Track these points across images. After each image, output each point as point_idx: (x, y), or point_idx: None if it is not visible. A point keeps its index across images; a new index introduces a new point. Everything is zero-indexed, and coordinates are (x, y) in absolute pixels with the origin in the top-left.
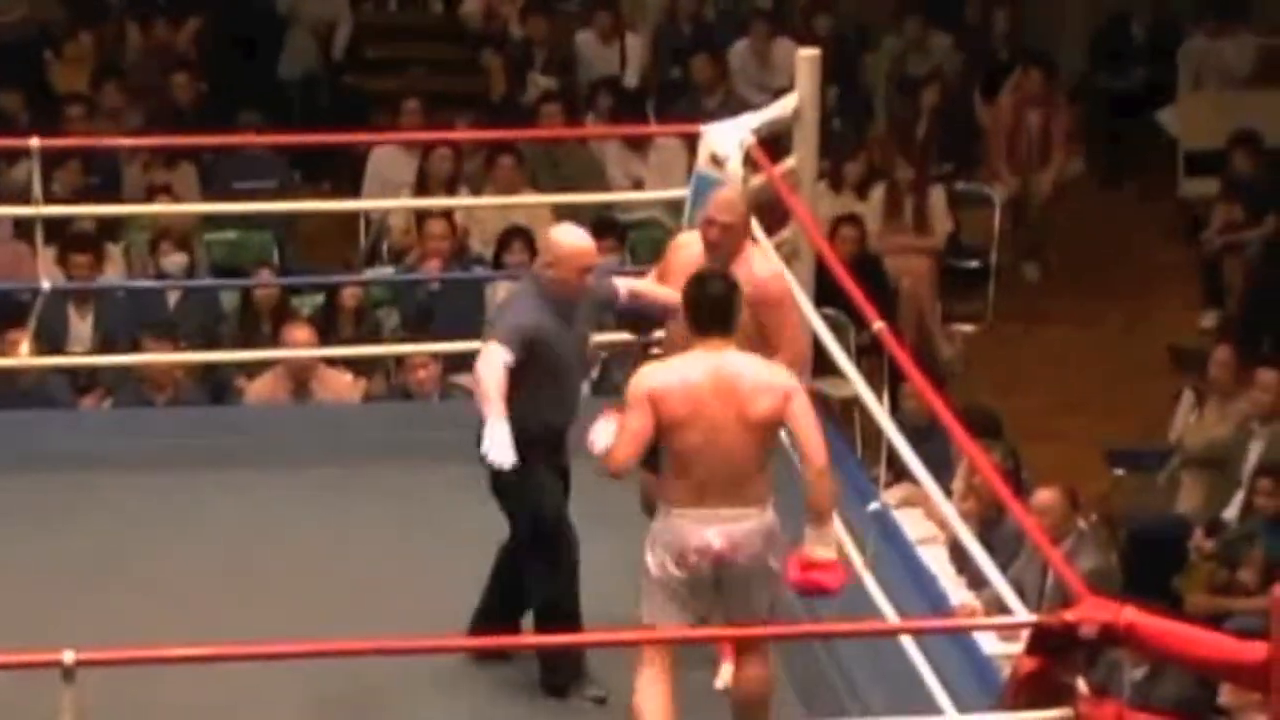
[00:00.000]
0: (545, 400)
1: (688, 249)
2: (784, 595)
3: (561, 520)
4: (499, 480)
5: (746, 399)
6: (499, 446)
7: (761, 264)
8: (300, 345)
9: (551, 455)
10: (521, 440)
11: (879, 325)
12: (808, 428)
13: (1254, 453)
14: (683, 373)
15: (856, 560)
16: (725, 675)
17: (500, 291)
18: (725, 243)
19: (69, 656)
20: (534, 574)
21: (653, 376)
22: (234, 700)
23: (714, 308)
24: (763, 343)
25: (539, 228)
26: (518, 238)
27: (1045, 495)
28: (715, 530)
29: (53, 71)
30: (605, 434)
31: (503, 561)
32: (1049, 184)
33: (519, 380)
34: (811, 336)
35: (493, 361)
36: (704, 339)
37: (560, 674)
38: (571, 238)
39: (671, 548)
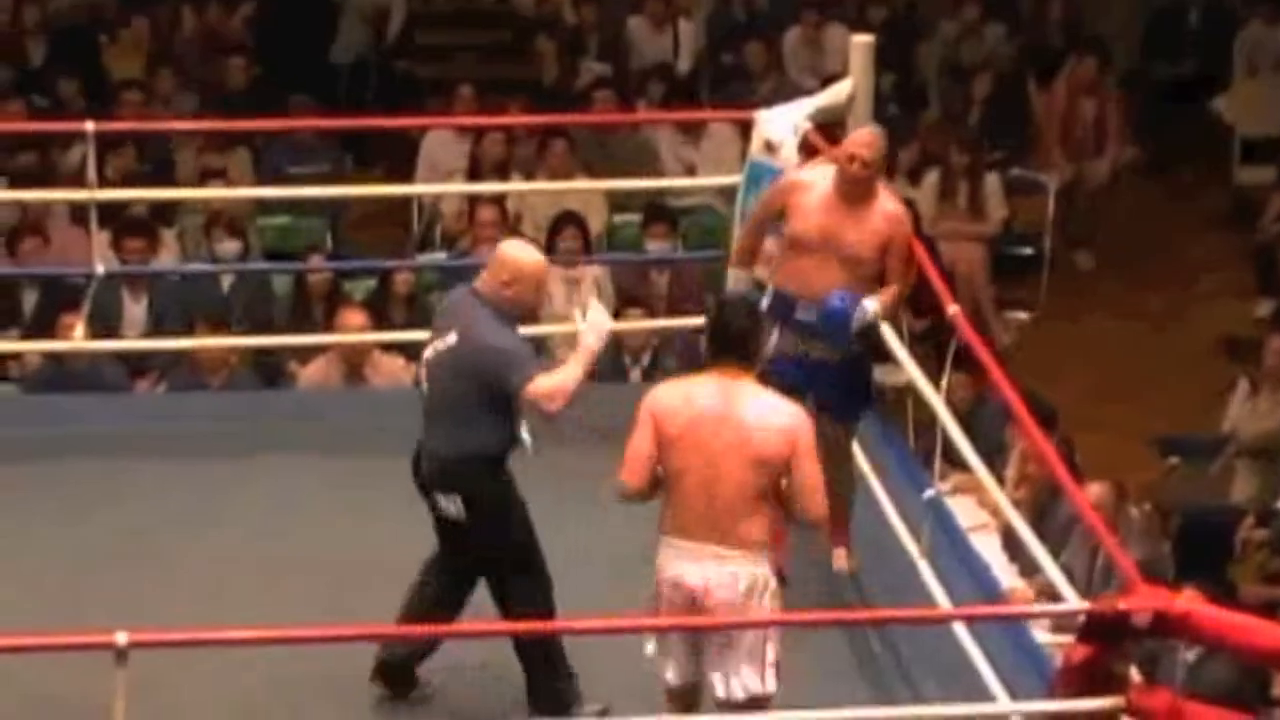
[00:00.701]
0: (515, 419)
1: (812, 190)
2: (765, 669)
3: (538, 545)
4: (481, 506)
5: (750, 434)
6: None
7: (893, 203)
8: (354, 329)
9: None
10: (498, 457)
11: (954, 308)
12: (809, 480)
13: None
14: (690, 394)
15: (911, 548)
16: (840, 558)
17: (551, 282)
18: (865, 179)
19: (122, 638)
20: (521, 600)
21: (659, 394)
22: (277, 684)
23: (735, 336)
24: (877, 278)
25: (591, 214)
26: (569, 223)
27: (1095, 489)
28: (694, 567)
29: (107, 56)
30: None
31: (435, 582)
32: (1103, 172)
33: (500, 404)
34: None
35: (545, 386)
36: (719, 365)
37: (562, 694)
38: (531, 255)
39: (655, 579)
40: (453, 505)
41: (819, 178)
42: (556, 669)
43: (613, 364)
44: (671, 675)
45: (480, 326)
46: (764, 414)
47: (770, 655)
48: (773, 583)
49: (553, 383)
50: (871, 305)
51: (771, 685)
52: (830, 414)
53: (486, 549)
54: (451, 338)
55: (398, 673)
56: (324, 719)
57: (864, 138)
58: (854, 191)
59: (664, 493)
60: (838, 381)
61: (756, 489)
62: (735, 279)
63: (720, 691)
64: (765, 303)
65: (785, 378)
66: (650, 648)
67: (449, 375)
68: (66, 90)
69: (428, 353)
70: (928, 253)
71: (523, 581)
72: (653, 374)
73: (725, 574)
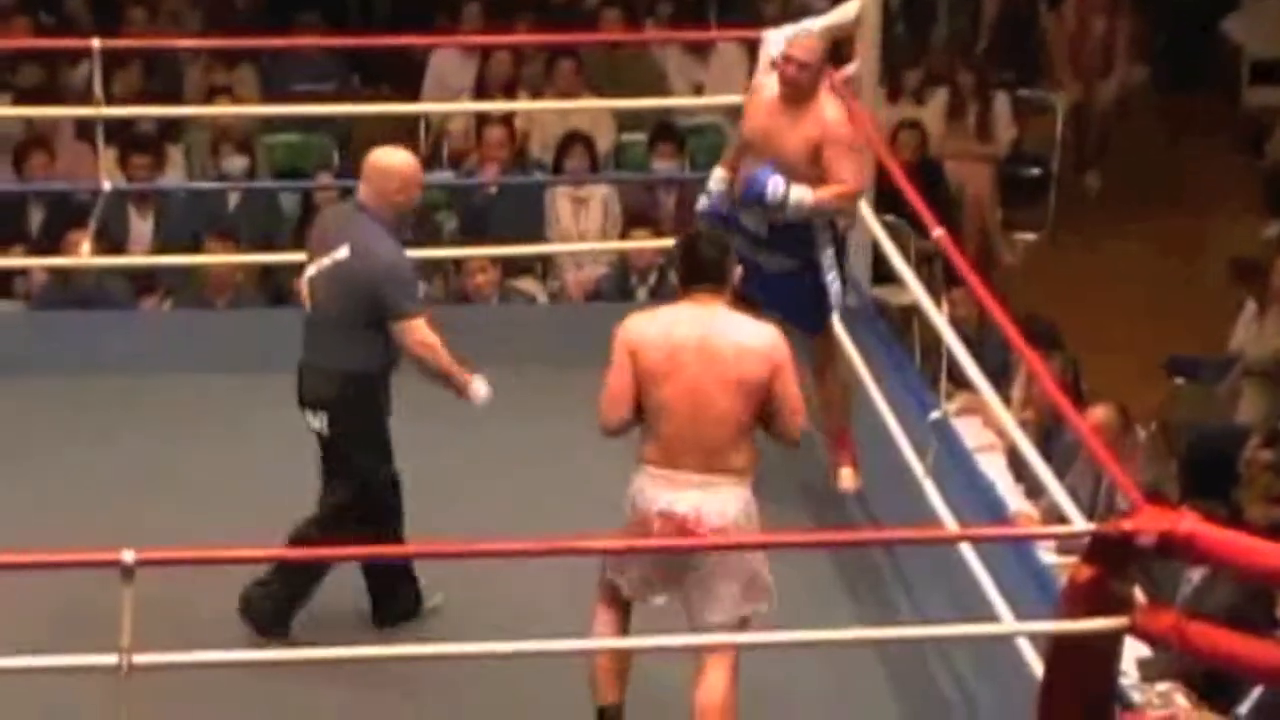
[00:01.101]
0: (389, 341)
1: (761, 93)
2: (765, 598)
3: (396, 481)
4: (343, 433)
5: (731, 360)
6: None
7: (832, 108)
8: None
9: (387, 398)
10: (373, 387)
11: (939, 231)
12: (789, 400)
13: None
14: (667, 324)
15: (917, 469)
16: (846, 478)
17: (559, 200)
18: (801, 80)
19: (129, 556)
20: (338, 520)
21: (634, 326)
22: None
23: (706, 264)
24: (819, 180)
25: (598, 133)
26: (577, 142)
27: (1098, 412)
28: (682, 496)
29: None
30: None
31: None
32: (1112, 92)
33: (376, 323)
34: (864, 184)
35: (429, 335)
36: (693, 293)
37: (402, 600)
38: (406, 157)
39: (637, 508)
40: (317, 420)
41: (770, 82)
42: (403, 588)
43: (620, 283)
44: (628, 590)
45: (375, 243)
46: (743, 339)
47: (759, 578)
48: (754, 506)
49: (431, 339)
50: (794, 189)
51: (750, 607)
52: (795, 328)
53: (338, 468)
54: (342, 252)
55: (260, 610)
56: (331, 637)
57: (801, 40)
58: (792, 95)
59: (645, 424)
60: (791, 294)
61: (741, 415)
62: (715, 178)
63: (703, 617)
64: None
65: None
66: (613, 559)
67: (338, 290)
68: (73, 6)
69: (311, 269)
70: (934, 173)
71: (352, 510)
72: (659, 292)
73: (715, 501)
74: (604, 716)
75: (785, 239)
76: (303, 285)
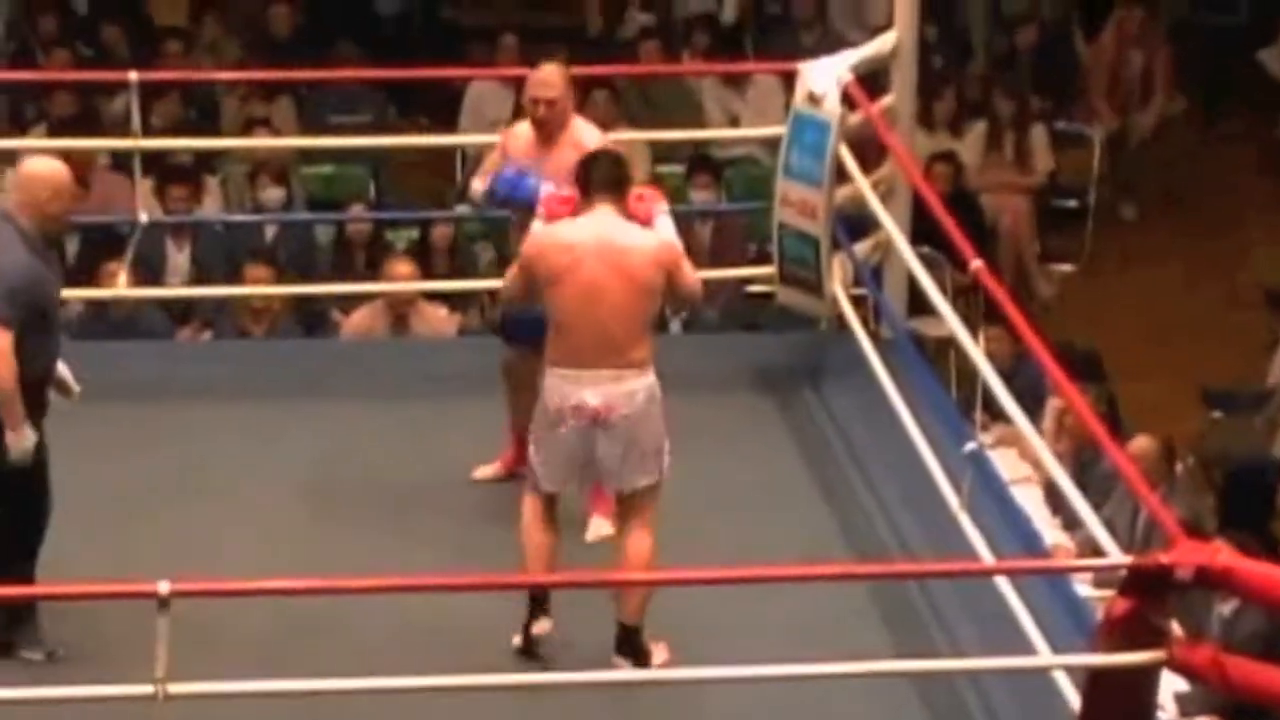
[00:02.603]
0: (47, 347)
1: (518, 137)
2: (662, 462)
3: (43, 477)
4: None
5: (630, 261)
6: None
7: (588, 132)
8: (402, 279)
9: (40, 405)
10: (27, 392)
11: (976, 264)
12: (689, 280)
13: None
14: (568, 232)
15: (952, 501)
16: (594, 529)
17: None
18: (552, 117)
19: (164, 587)
20: (2, 525)
21: (537, 237)
22: (315, 628)
23: (605, 174)
24: None
25: (634, 164)
26: None
27: (1141, 442)
28: (593, 390)
29: (151, 4)
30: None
31: None
32: (1149, 123)
33: (20, 335)
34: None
35: (5, 355)
36: (592, 204)
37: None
38: (58, 166)
39: (550, 407)
40: None
41: (525, 125)
42: (17, 609)
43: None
44: (548, 484)
45: (2, 250)
46: (635, 242)
47: (665, 449)
48: (657, 390)
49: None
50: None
51: (661, 474)
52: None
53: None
54: None
55: None
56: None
57: (540, 76)
58: (544, 132)
59: (552, 328)
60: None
61: (638, 311)
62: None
63: (616, 485)
64: None
65: None
66: (535, 456)
67: None
68: (110, 38)
69: None
70: (970, 205)
71: (5, 517)
72: (691, 325)
73: (623, 392)
74: (535, 601)
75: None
76: None
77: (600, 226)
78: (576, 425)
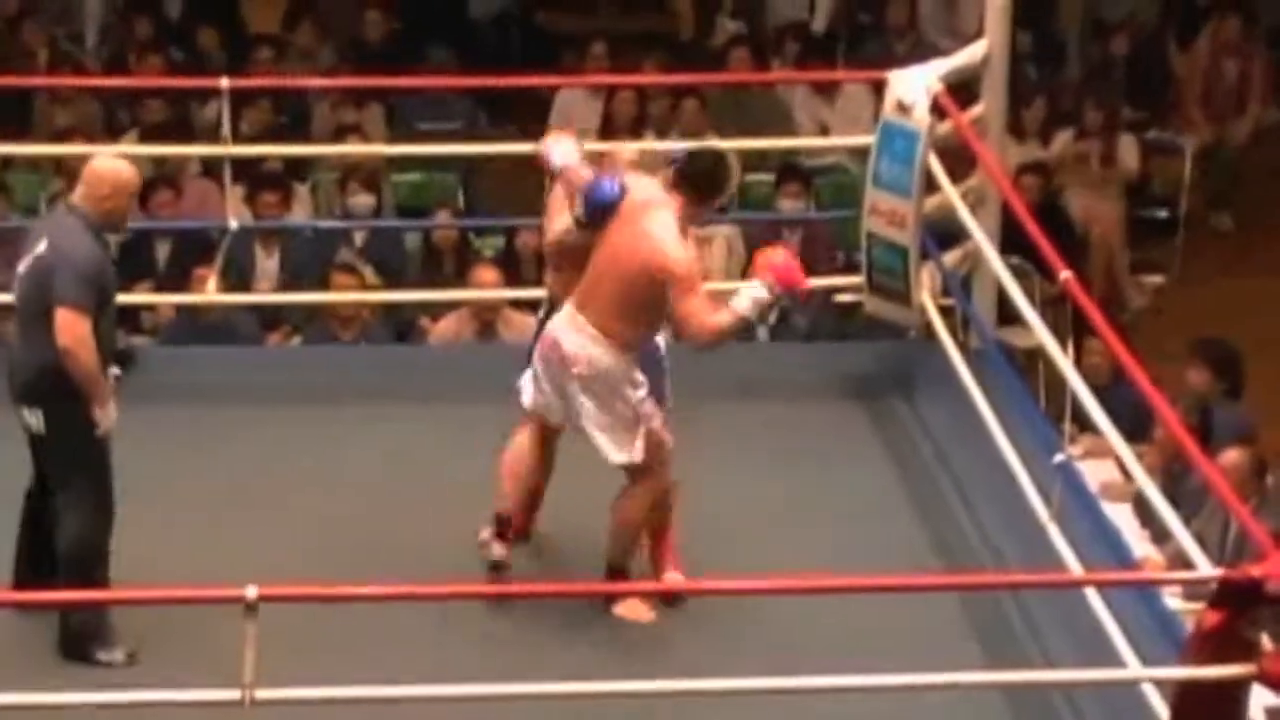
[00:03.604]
0: (107, 335)
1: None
2: (634, 444)
3: (108, 466)
4: (58, 422)
5: (639, 246)
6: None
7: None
8: (488, 286)
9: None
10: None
11: (1065, 274)
12: (681, 308)
13: None
14: (647, 190)
15: (1042, 513)
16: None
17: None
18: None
19: (251, 592)
20: (71, 520)
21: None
22: (400, 633)
23: (691, 174)
24: None
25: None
26: None
27: (1232, 455)
28: (571, 335)
29: (245, 9)
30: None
31: (35, 511)
32: (1244, 133)
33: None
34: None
35: (80, 330)
36: (670, 189)
37: (86, 633)
38: (125, 166)
39: (545, 328)
40: (34, 419)
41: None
42: (91, 614)
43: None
44: (526, 400)
45: (69, 236)
46: (654, 235)
47: (641, 431)
48: (638, 377)
49: (81, 334)
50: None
51: (639, 457)
52: None
53: (56, 466)
54: (41, 246)
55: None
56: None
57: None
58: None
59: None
60: None
61: (630, 292)
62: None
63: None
64: None
65: None
66: (526, 379)
67: (32, 285)
68: (205, 43)
69: (20, 268)
70: (1060, 215)
71: (74, 512)
72: (780, 332)
73: (588, 350)
74: (499, 522)
75: None
76: (15, 283)
77: (650, 207)
78: (549, 354)
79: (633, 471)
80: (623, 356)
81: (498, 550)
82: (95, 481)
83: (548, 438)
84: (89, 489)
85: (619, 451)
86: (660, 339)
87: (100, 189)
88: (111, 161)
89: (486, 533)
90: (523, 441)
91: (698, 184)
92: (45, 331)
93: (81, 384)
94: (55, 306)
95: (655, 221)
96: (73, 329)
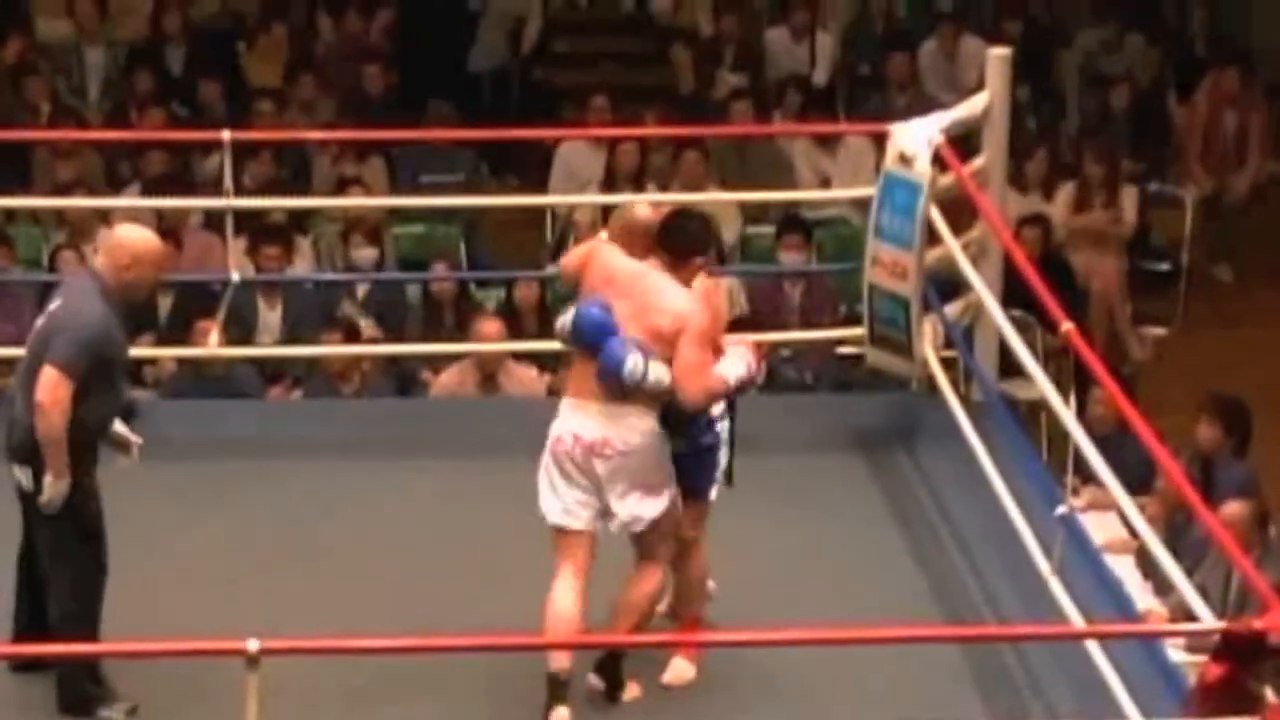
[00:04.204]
0: (107, 402)
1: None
2: (664, 496)
3: (100, 529)
4: (41, 481)
5: (650, 306)
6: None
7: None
8: (490, 339)
9: (93, 457)
10: (81, 444)
11: (1067, 326)
12: (685, 362)
13: None
14: (619, 260)
15: (1043, 564)
16: (674, 671)
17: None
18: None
19: (253, 645)
20: (61, 580)
21: (605, 249)
22: (403, 686)
23: (679, 233)
24: None
25: (725, 224)
26: None
27: (1234, 508)
28: (594, 423)
29: (246, 63)
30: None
31: (29, 571)
32: (1245, 185)
33: (84, 387)
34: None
35: (59, 394)
36: (652, 252)
37: (82, 688)
38: (148, 236)
39: (553, 434)
40: (24, 477)
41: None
42: (90, 668)
43: None
44: (553, 517)
45: (81, 299)
46: (667, 294)
47: (666, 486)
48: (658, 434)
49: (58, 399)
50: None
51: (666, 504)
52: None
53: (43, 527)
54: (55, 304)
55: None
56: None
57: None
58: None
59: (568, 361)
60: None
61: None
62: None
63: (617, 529)
64: None
65: None
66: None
67: (38, 341)
68: (205, 97)
69: (37, 322)
70: (1061, 267)
71: (64, 573)
72: (770, 384)
73: (621, 426)
74: (554, 681)
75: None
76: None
77: (644, 272)
78: (571, 452)
79: (652, 533)
80: (653, 419)
81: (560, 715)
82: (83, 543)
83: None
84: (76, 551)
85: (644, 518)
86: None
87: (121, 258)
88: (135, 231)
89: (558, 715)
90: (556, 591)
91: (679, 244)
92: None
93: (43, 445)
94: (45, 363)
95: (661, 281)
96: (53, 390)
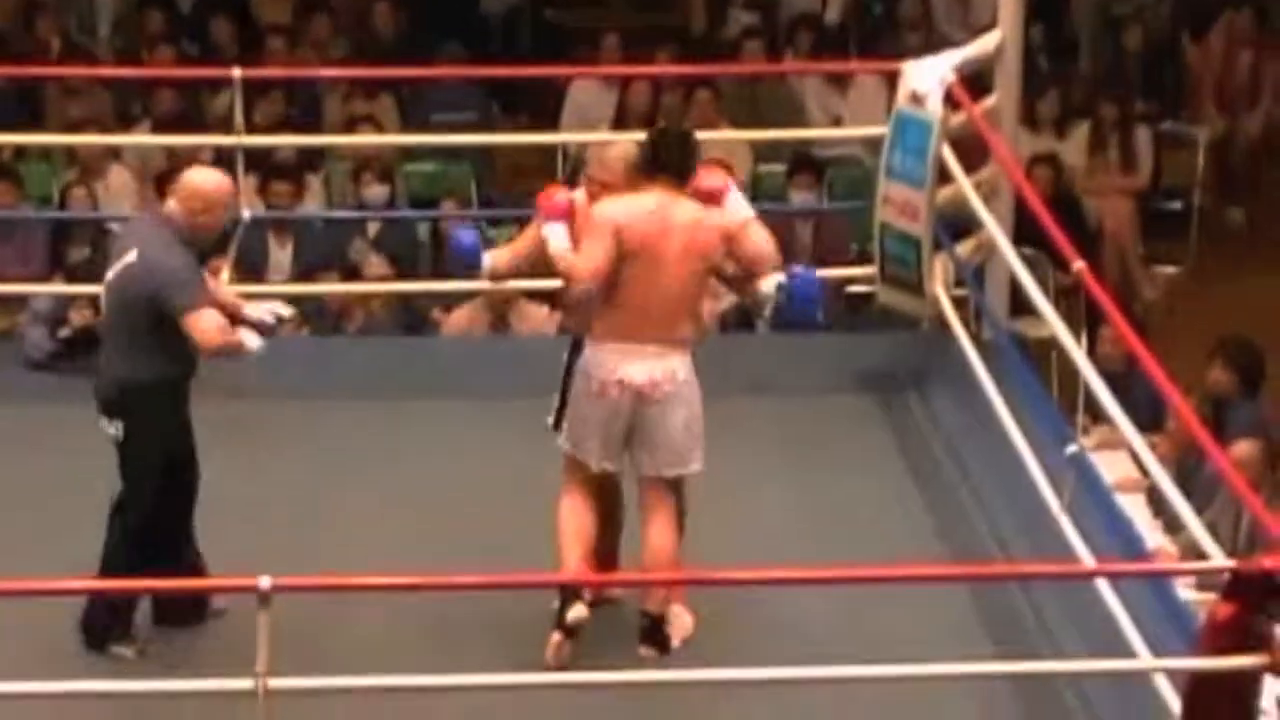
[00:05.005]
0: (178, 348)
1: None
2: (697, 453)
3: (178, 470)
4: (134, 433)
5: (689, 230)
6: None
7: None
8: None
9: (180, 405)
10: (170, 387)
11: (1079, 265)
12: (758, 240)
13: None
14: (640, 206)
15: (1053, 503)
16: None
17: None
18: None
19: (265, 582)
20: (122, 527)
21: (616, 209)
22: (418, 628)
23: (670, 153)
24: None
25: (736, 164)
26: None
27: (1243, 448)
28: (639, 366)
29: (256, 1)
30: (558, 235)
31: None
32: (1257, 126)
33: (170, 327)
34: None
35: (215, 322)
36: (658, 183)
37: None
38: (218, 178)
39: (594, 379)
40: (113, 428)
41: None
42: (112, 606)
43: (743, 315)
44: (588, 457)
45: (157, 246)
46: (699, 214)
47: (698, 437)
48: (691, 367)
49: (215, 325)
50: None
51: (700, 464)
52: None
53: (128, 474)
54: (130, 256)
55: (94, 632)
56: (467, 659)
57: (603, 156)
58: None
59: (603, 301)
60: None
61: (694, 292)
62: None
63: (649, 470)
64: None
65: None
66: (562, 439)
67: (122, 295)
68: (216, 35)
69: (109, 275)
70: (1073, 207)
71: (137, 520)
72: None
73: (667, 368)
74: (566, 589)
75: None
76: (104, 291)
77: (660, 203)
78: (619, 399)
79: (674, 483)
80: (689, 356)
81: (578, 613)
82: (157, 491)
83: (605, 489)
84: (150, 497)
85: (683, 464)
86: None
87: (194, 203)
88: (207, 174)
89: (575, 613)
90: (575, 505)
91: (676, 165)
92: (128, 344)
93: (226, 352)
94: (178, 318)
95: (689, 205)
96: (204, 328)
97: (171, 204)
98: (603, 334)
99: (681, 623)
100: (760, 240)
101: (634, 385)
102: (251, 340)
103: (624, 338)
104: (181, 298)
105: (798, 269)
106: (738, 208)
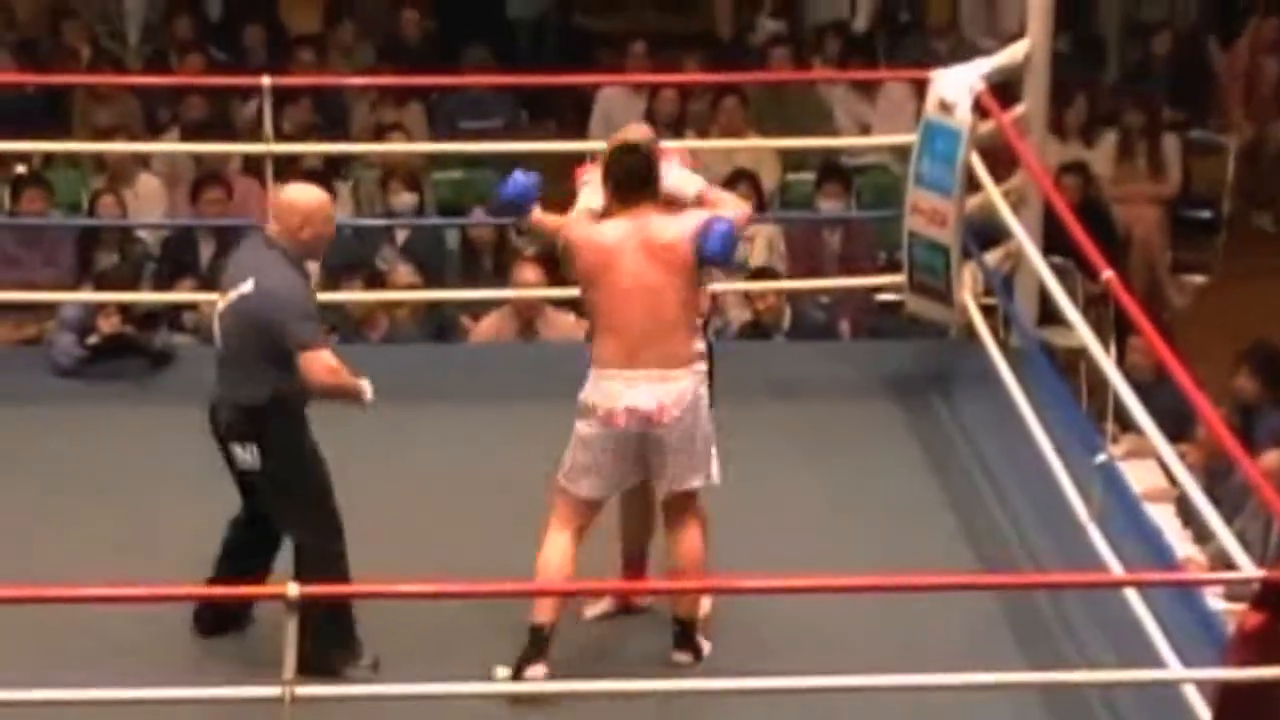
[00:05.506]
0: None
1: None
2: (711, 464)
3: (329, 487)
4: (274, 456)
5: (672, 247)
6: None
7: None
8: (530, 284)
9: (305, 419)
10: (294, 406)
11: (1108, 274)
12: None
13: None
14: (601, 231)
15: (1081, 512)
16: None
17: None
18: None
19: (293, 590)
20: (308, 555)
21: (577, 226)
22: (445, 632)
23: (633, 174)
24: None
25: (764, 171)
26: (742, 180)
27: (1273, 457)
28: (645, 392)
29: (284, 9)
30: (589, 193)
31: (235, 540)
32: None
33: (281, 353)
34: None
35: (331, 361)
36: (627, 206)
37: (335, 644)
38: (314, 194)
39: (600, 407)
40: (248, 455)
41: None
42: (338, 627)
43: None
44: (593, 491)
45: (273, 275)
46: (676, 225)
47: (713, 448)
48: (702, 388)
49: (331, 364)
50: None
51: (717, 476)
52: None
53: (279, 500)
54: (247, 285)
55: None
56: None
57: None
58: None
59: (597, 331)
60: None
61: (688, 308)
62: None
63: (665, 487)
64: None
65: None
66: (578, 460)
67: (242, 322)
68: (245, 42)
69: (221, 304)
70: (1101, 215)
71: (311, 536)
72: (791, 334)
73: (673, 391)
74: (537, 635)
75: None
76: (215, 320)
77: (638, 224)
78: (628, 429)
79: (693, 492)
80: (695, 372)
81: (536, 672)
82: (318, 508)
83: (638, 491)
84: (313, 510)
85: (695, 476)
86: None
87: (292, 220)
88: (298, 190)
89: (534, 670)
90: (565, 544)
91: (650, 184)
92: (251, 372)
93: (338, 394)
94: (295, 352)
95: (663, 220)
96: (321, 367)
97: (273, 225)
98: (604, 361)
99: (701, 606)
100: (716, 200)
101: (641, 412)
102: (368, 389)
103: (624, 364)
104: (301, 333)
105: (518, 173)
106: (680, 182)
